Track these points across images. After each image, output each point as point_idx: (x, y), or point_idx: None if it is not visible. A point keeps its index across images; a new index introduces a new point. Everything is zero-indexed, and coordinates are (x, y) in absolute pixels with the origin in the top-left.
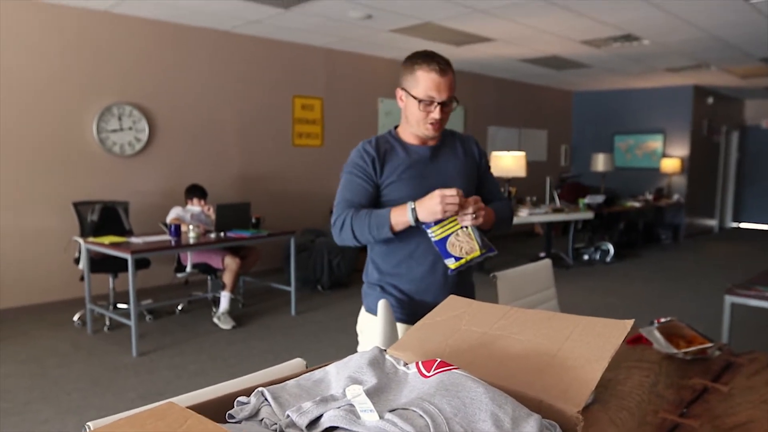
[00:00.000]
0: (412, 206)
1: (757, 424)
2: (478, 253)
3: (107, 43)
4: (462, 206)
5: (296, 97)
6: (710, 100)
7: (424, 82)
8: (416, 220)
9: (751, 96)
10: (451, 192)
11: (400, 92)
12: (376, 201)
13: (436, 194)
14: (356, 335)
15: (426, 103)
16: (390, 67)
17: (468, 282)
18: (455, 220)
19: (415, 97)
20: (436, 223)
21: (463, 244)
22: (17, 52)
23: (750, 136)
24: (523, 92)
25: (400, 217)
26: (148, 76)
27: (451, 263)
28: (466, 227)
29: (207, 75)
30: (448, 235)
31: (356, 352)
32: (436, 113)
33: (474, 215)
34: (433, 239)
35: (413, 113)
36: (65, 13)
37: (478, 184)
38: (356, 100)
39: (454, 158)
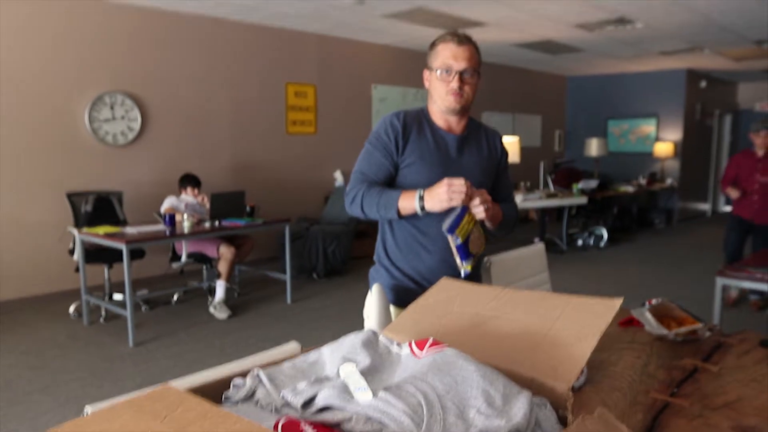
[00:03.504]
0: (421, 194)
1: (746, 402)
2: (483, 247)
3: (99, 31)
4: (470, 197)
5: (289, 84)
6: (703, 83)
7: (442, 52)
8: (422, 209)
9: (744, 79)
10: (459, 181)
11: (425, 73)
12: (393, 177)
13: (444, 182)
14: (353, 322)
15: (444, 71)
16: (383, 53)
17: (476, 274)
18: (470, 216)
19: (434, 69)
20: (456, 227)
21: (477, 240)
22: (8, 41)
23: (743, 120)
24: (517, 77)
25: (408, 202)
26: (140, 65)
27: (468, 264)
28: (478, 222)
29: (199, 62)
30: (469, 235)
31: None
32: (454, 82)
33: (485, 207)
34: (456, 243)
35: (436, 87)
36: (56, 2)
37: (494, 180)
38: (350, 86)
39: (478, 152)
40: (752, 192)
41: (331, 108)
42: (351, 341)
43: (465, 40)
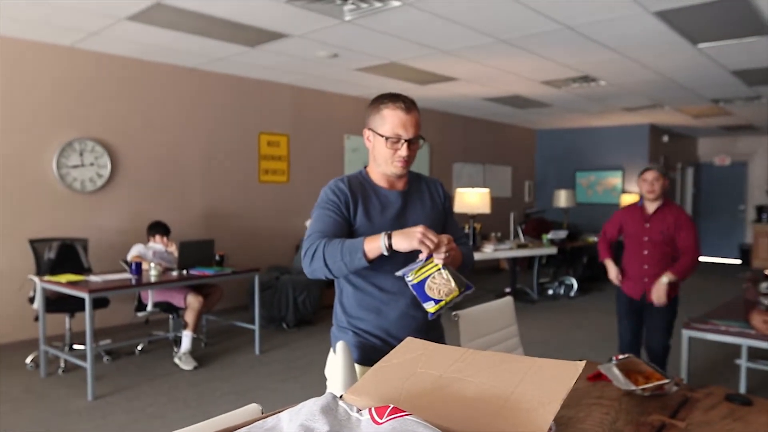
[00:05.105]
0: (387, 233)
1: None
2: (456, 293)
3: (71, 78)
4: (437, 246)
5: (262, 134)
6: (665, 138)
7: (390, 120)
8: (389, 248)
9: (703, 134)
10: (433, 234)
11: (367, 132)
12: (349, 236)
13: (419, 229)
14: (321, 373)
15: (393, 140)
16: (356, 105)
17: (438, 326)
18: (431, 262)
19: (382, 135)
20: (410, 271)
21: (441, 286)
22: None
23: (704, 173)
24: (488, 130)
25: (374, 243)
26: (112, 112)
27: (430, 307)
28: (442, 269)
29: (172, 111)
30: (425, 279)
31: (324, 394)
32: (403, 150)
33: (446, 253)
34: (410, 284)
35: (381, 152)
36: (29, 48)
37: (442, 227)
38: (322, 136)
39: (422, 204)
40: (640, 259)
41: (303, 158)
42: (310, 407)
43: (412, 107)
